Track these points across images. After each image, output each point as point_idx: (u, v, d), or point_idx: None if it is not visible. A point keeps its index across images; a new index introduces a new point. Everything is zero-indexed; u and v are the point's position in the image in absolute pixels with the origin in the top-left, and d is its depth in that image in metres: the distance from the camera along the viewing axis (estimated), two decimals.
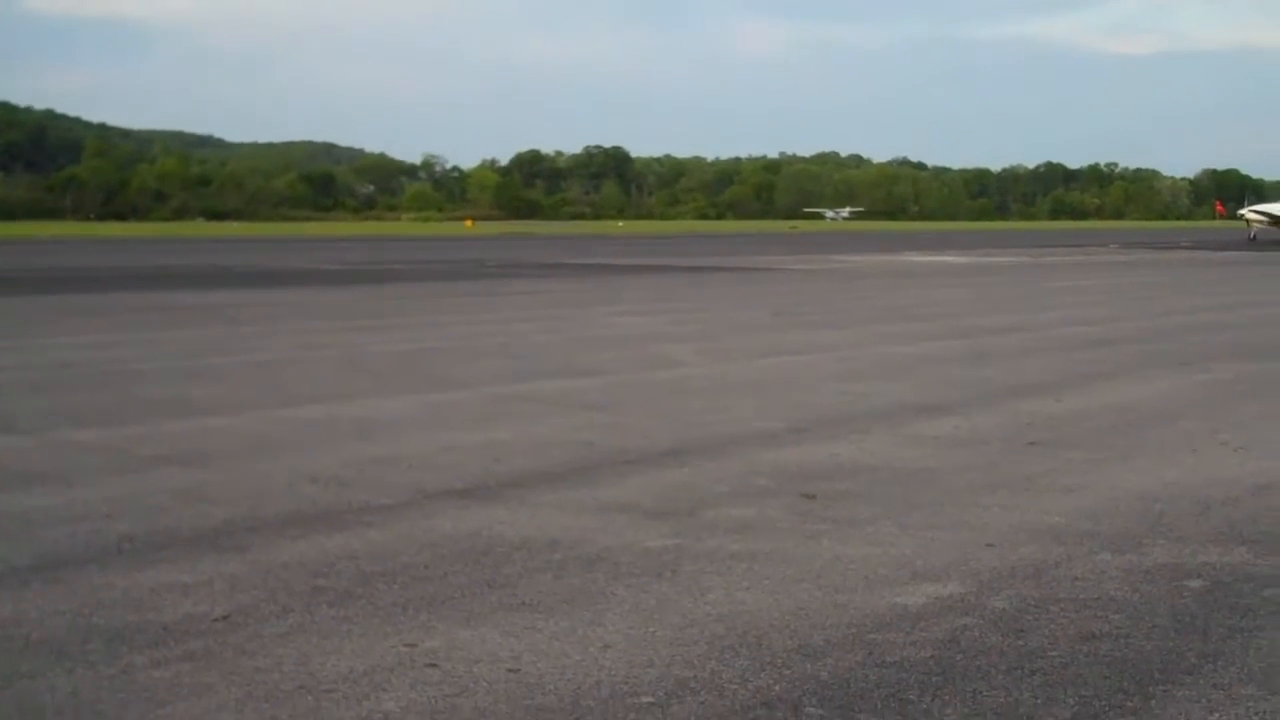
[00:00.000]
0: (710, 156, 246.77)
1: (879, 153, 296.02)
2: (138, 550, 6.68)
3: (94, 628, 5.44)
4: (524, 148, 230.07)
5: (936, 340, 18.09)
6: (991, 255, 54.31)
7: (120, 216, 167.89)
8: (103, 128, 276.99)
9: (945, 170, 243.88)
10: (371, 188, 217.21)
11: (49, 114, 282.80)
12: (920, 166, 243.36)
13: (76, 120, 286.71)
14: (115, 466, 8.93)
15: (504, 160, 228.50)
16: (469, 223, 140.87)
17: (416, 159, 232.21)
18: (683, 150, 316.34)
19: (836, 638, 5.46)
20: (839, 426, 10.91)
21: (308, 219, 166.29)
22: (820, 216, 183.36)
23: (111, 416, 11.11)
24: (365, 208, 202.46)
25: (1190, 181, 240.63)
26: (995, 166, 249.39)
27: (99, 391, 12.80)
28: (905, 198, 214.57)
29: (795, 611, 5.81)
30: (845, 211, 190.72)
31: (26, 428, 10.39)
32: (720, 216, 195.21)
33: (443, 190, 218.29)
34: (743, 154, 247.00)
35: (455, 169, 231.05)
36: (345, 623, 5.59)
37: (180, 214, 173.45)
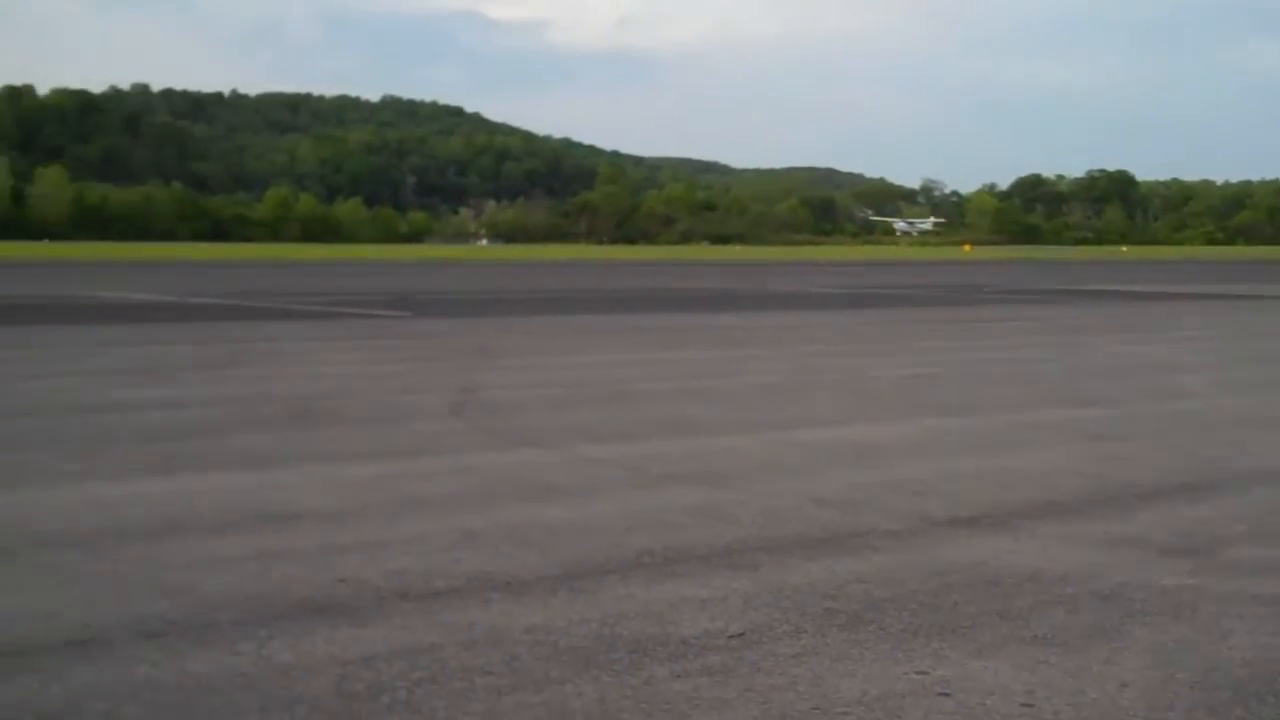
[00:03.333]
0: (1219, 180, 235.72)
1: None
2: (656, 564, 6.91)
3: (617, 638, 5.66)
4: (1023, 171, 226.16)
5: None
6: None
7: (630, 240, 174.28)
8: (615, 155, 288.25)
9: None
10: (870, 212, 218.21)
11: (566, 142, 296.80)
12: None
13: (591, 148, 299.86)
14: (631, 482, 9.27)
15: (1003, 184, 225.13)
16: (967, 247, 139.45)
17: (915, 183, 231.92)
18: (1190, 173, 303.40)
19: None
20: None
21: (808, 243, 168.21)
22: None
23: (625, 433, 11.54)
24: (864, 232, 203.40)
25: None
26: None
27: (612, 409, 13.32)
28: None
29: None
30: None
31: (549, 443, 10.91)
32: (1230, 242, 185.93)
33: (941, 214, 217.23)
34: (1254, 177, 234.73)
35: (954, 193, 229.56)
36: (857, 646, 5.62)
37: (686, 238, 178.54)
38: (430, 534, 7.47)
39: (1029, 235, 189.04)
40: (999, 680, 5.23)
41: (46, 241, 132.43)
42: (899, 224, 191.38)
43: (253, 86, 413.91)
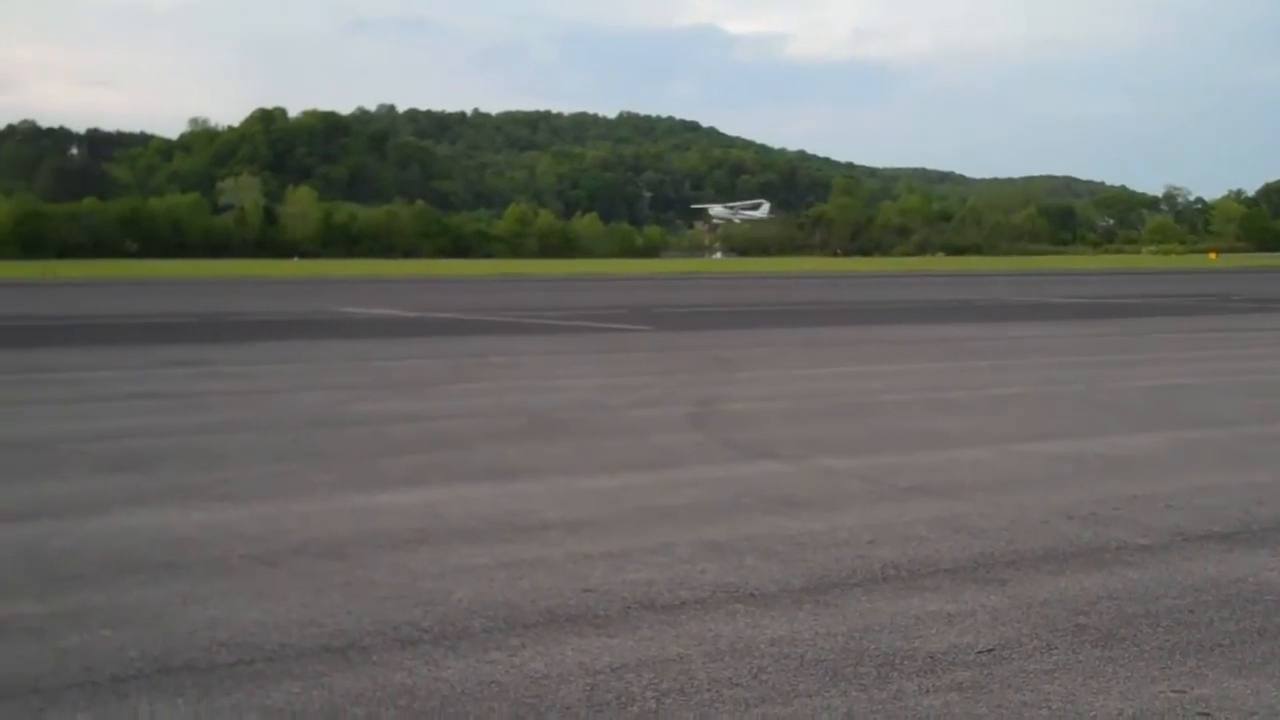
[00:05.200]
0: None
1: None
2: (901, 577, 6.84)
3: (864, 651, 5.61)
4: (1271, 178, 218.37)
5: None
6: None
7: (864, 252, 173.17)
8: (850, 167, 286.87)
9: None
10: (1111, 221, 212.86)
11: (800, 155, 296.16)
12: None
13: (825, 160, 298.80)
14: (872, 494, 9.20)
15: (1250, 191, 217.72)
16: (1213, 255, 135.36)
17: (1158, 191, 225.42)
18: None
19: None
20: None
21: (1046, 252, 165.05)
22: None
23: (865, 445, 11.46)
24: (1104, 240, 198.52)
25: None
26: None
27: (851, 421, 13.24)
28: None
29: None
30: None
31: (788, 455, 10.88)
32: None
33: (1184, 222, 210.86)
34: None
35: (1198, 201, 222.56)
36: (1110, 663, 5.49)
37: (922, 249, 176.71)
38: (673, 545, 7.52)
39: (1278, 242, 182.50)
40: (1261, 700, 5.07)
41: (296, 259, 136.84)
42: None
43: (494, 105, 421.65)
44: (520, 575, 6.82)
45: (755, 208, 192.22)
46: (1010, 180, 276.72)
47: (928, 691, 5.12)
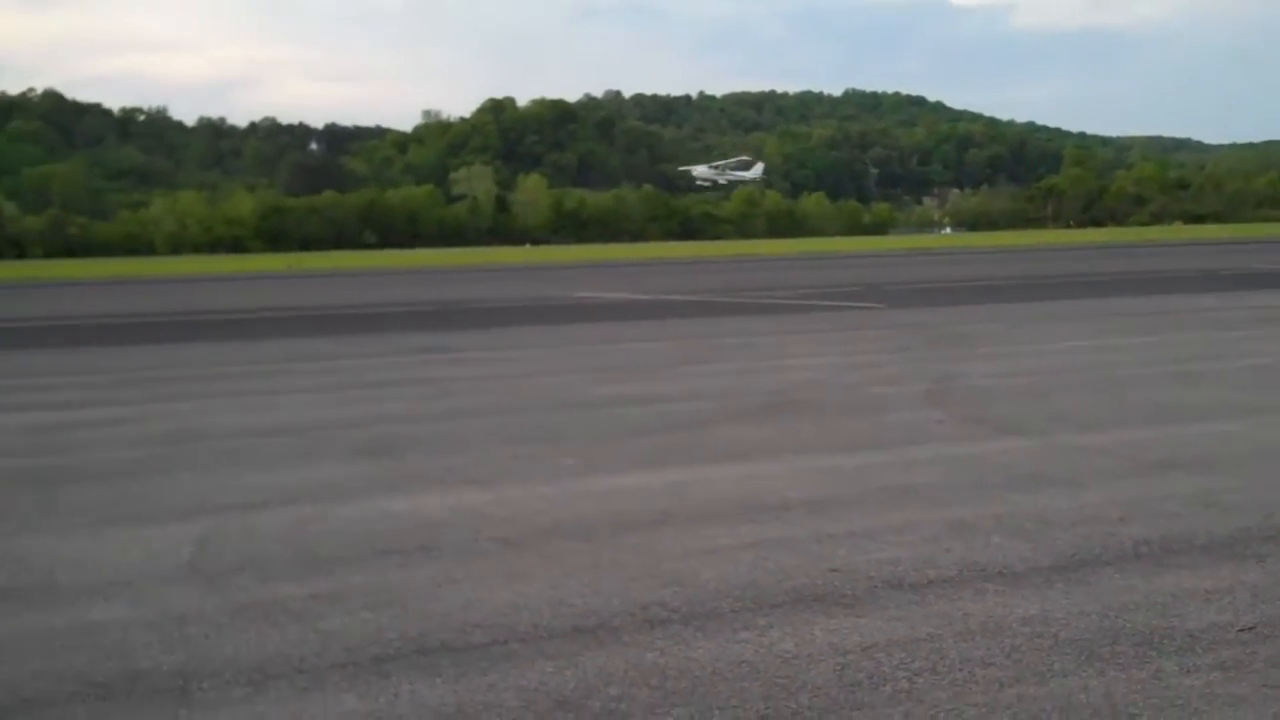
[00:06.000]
0: None
1: None
2: (1154, 555, 6.68)
3: (1120, 630, 5.50)
4: None
5: None
6: None
7: (1098, 223, 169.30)
8: (1081, 137, 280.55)
9: None
10: None
11: (1030, 126, 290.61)
12: None
13: (1056, 131, 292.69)
14: (1120, 470, 9.00)
15: None
16: None
17: None
18: None
19: None
20: None
21: None
22: None
23: (1110, 420, 11.21)
24: None
25: None
26: None
27: (1094, 395, 12.96)
28: None
29: None
30: None
31: (1031, 430, 10.71)
32: None
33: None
34: None
35: None
36: None
37: (1158, 218, 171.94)
38: (918, 523, 7.46)
39: None
40: None
41: (528, 245, 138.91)
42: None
43: (719, 87, 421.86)
44: (765, 555, 6.84)
45: (745, 167, 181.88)
46: (1251, 145, 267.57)
47: (1188, 671, 5.00)
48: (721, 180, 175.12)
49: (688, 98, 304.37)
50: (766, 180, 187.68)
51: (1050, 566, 6.51)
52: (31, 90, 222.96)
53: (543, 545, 7.20)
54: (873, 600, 6.03)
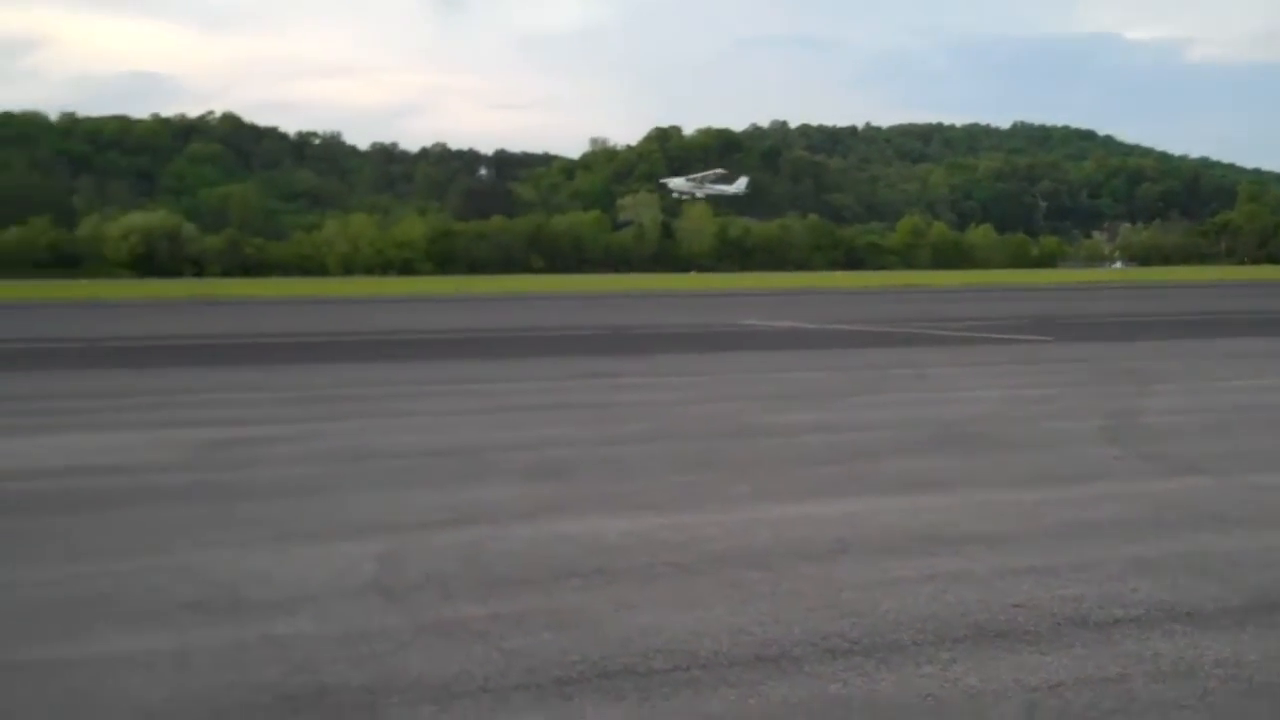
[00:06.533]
0: None
1: None
2: None
3: None
4: None
5: None
6: None
7: (1274, 259, 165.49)
8: (1257, 172, 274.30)
9: None
10: None
11: (1203, 161, 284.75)
12: None
13: (1230, 166, 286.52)
14: None
15: None
16: None
17: None
18: None
19: None
20: None
21: None
22: None
23: None
24: None
25: None
26: None
27: (1275, 435, 12.65)
28: None
29: None
30: None
31: (1213, 469, 10.46)
32: None
33: None
34: None
35: None
36: None
37: None
38: (1101, 561, 7.31)
39: None
40: None
41: (693, 273, 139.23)
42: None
43: (884, 118, 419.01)
44: (944, 589, 6.75)
45: (726, 181, 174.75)
46: None
47: None
48: (699, 194, 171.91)
49: (853, 129, 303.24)
50: (749, 194, 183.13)
51: (1241, 608, 6.35)
52: (211, 113, 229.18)
53: (719, 572, 7.18)
54: (1058, 637, 5.92)
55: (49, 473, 10.88)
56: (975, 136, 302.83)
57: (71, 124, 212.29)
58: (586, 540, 7.99)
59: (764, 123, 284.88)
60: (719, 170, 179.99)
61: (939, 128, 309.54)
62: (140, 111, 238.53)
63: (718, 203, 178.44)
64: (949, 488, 9.82)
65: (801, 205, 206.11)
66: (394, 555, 7.64)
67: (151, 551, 7.85)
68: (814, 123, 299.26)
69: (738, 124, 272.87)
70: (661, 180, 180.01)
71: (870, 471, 10.63)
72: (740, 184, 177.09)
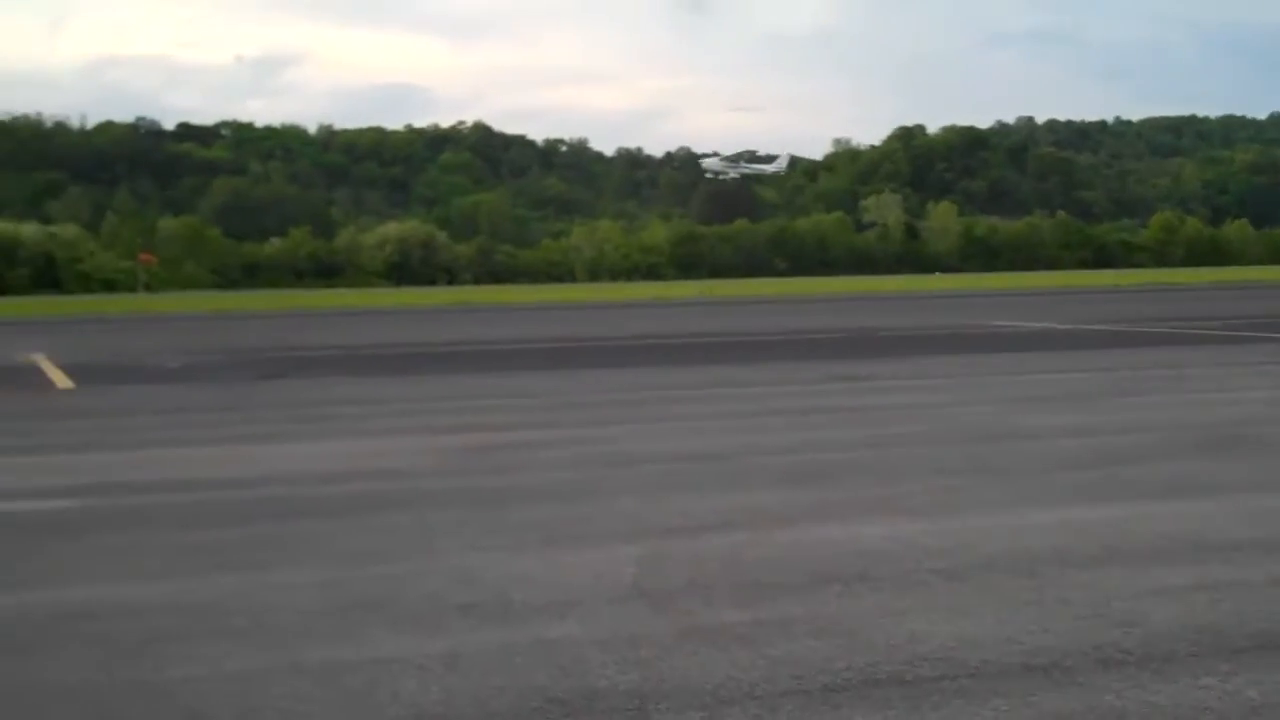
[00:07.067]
0: None
1: None
2: None
3: None
4: None
5: None
6: None
7: None
8: None
9: None
10: None
11: None
12: None
13: None
14: None
15: None
16: None
17: None
18: None
19: None
20: None
21: None
22: None
23: None
24: None
25: None
26: None
27: None
28: None
29: None
30: None
31: None
32: None
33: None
34: None
35: None
36: None
37: None
38: None
39: None
40: None
41: (938, 274, 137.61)
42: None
43: (1134, 112, 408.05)
44: (1220, 597, 6.57)
45: (766, 160, 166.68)
46: None
47: None
48: (734, 173, 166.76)
49: (1103, 123, 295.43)
50: (790, 172, 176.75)
51: None
52: (462, 123, 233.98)
53: (984, 578, 7.10)
54: None
55: (322, 477, 11.25)
56: (1230, 128, 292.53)
57: (329, 136, 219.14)
58: (848, 545, 7.98)
59: (1010, 119, 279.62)
60: (746, 150, 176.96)
61: (1192, 120, 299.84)
62: (394, 123, 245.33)
63: (758, 181, 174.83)
64: (1216, 492, 9.55)
65: (1049, 203, 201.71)
66: (656, 559, 7.73)
67: (423, 554, 8.08)
68: (1062, 117, 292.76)
69: (983, 121, 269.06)
70: (700, 159, 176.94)
71: (1134, 476, 10.39)
72: (781, 163, 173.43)
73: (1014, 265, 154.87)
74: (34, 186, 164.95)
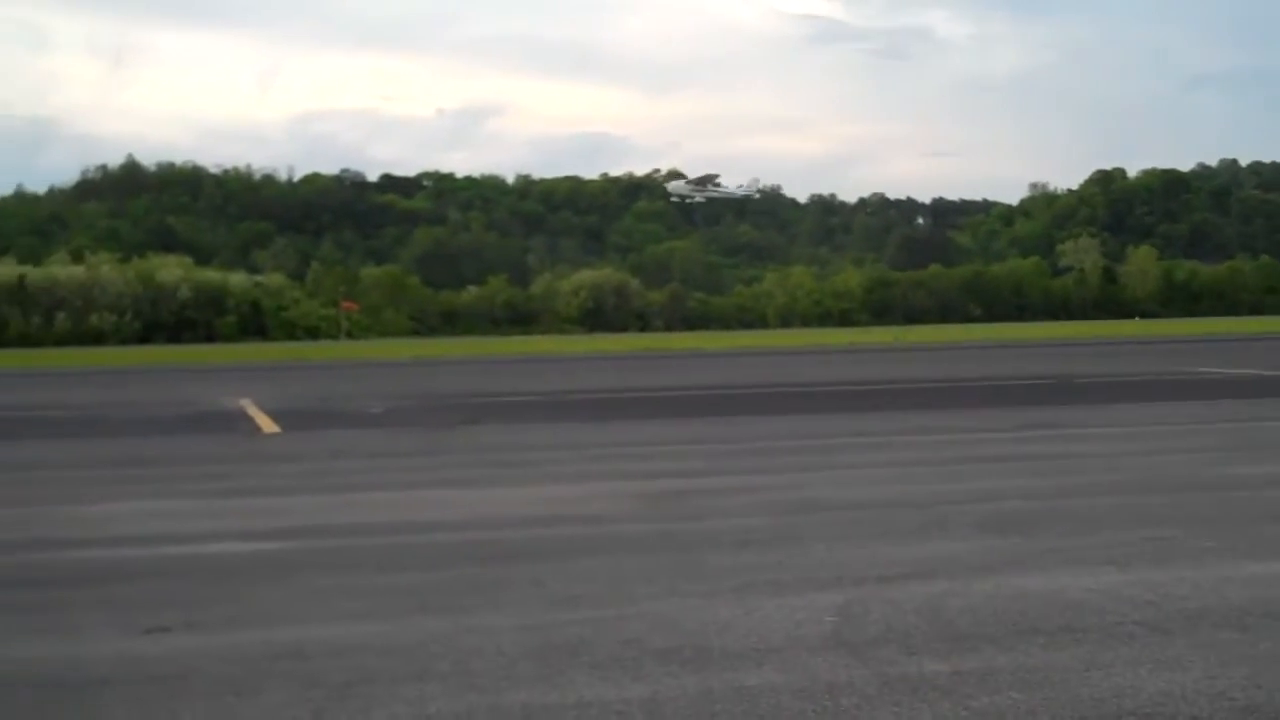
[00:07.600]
0: None
1: None
2: None
3: None
4: None
5: None
6: None
7: None
8: None
9: None
10: None
11: None
12: None
13: None
14: None
15: None
16: None
17: None
18: None
19: None
20: None
21: None
22: None
23: None
24: None
25: None
26: None
27: None
28: None
29: None
30: None
31: None
32: None
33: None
34: None
35: None
36: None
37: None
38: None
39: None
40: None
41: (1137, 319, 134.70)
42: None
43: None
44: None
45: (725, 186, 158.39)
46: None
47: None
48: (699, 197, 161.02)
49: None
50: (747, 198, 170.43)
51: None
52: (657, 171, 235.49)
53: (1192, 632, 6.94)
54: None
55: (521, 521, 11.41)
56: None
57: (526, 185, 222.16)
58: (1049, 596, 7.86)
59: (1212, 161, 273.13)
60: (709, 174, 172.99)
61: None
62: (590, 172, 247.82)
63: (725, 205, 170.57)
64: None
65: (1253, 246, 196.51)
66: (853, 607, 7.69)
67: (621, 599, 8.14)
68: (1266, 159, 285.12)
69: (1184, 164, 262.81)
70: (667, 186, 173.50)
71: None
72: (749, 188, 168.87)
73: (1216, 310, 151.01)
74: (243, 236, 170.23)
